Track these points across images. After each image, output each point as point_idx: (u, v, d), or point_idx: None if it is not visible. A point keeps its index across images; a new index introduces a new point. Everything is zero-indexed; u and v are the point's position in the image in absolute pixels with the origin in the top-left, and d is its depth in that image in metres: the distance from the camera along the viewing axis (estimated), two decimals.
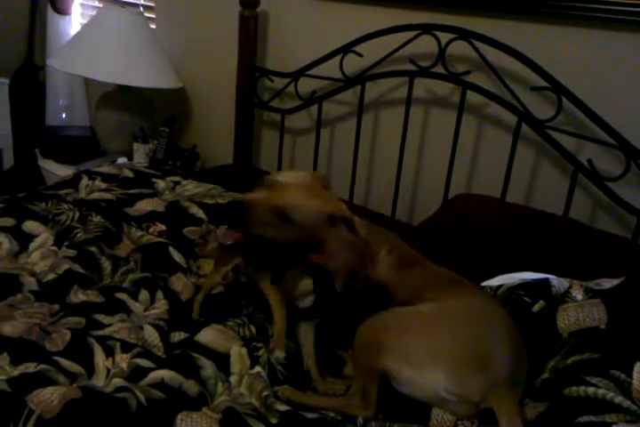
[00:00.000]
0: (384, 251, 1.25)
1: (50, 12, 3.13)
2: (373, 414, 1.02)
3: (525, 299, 1.16)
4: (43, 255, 1.41)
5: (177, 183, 1.84)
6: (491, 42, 1.65)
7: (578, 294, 1.11)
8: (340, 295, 1.16)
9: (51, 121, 3.21)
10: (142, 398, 0.95)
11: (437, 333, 1.02)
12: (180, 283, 1.39)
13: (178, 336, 1.17)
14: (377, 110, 2.05)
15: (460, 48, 1.72)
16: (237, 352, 1.14)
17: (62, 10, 3.14)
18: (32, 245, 1.45)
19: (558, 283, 1.15)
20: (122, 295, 1.29)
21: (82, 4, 3.18)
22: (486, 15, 1.72)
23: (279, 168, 2.31)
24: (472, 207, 1.66)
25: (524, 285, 1.19)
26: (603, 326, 1.04)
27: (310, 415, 1.00)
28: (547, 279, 1.17)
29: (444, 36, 1.73)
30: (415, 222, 1.93)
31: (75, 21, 3.20)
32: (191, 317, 1.29)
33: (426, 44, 1.77)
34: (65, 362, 1.04)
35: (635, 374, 0.95)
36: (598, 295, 1.09)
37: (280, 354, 1.16)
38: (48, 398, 0.90)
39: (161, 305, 1.26)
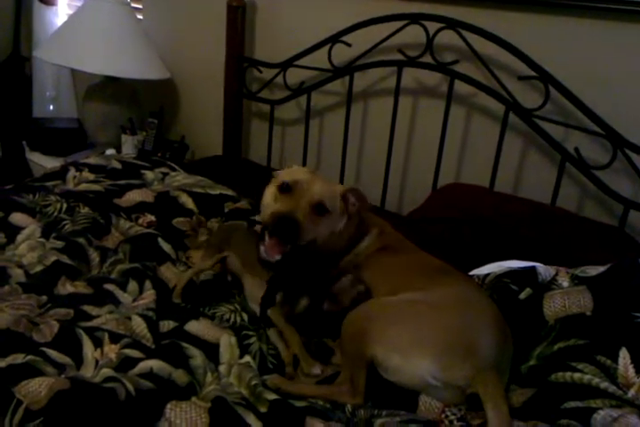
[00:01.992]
0: (372, 233, 1.31)
1: (36, 2, 3.10)
2: (362, 402, 1.02)
3: (512, 287, 1.16)
4: (30, 247, 1.41)
5: (166, 174, 1.83)
6: (478, 31, 1.64)
7: (564, 281, 1.12)
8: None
9: (38, 113, 3.19)
10: (131, 387, 0.95)
11: (423, 321, 1.03)
12: (169, 272, 1.39)
13: (167, 325, 1.17)
14: (366, 100, 2.05)
15: (447, 38, 1.72)
16: (227, 342, 1.14)
17: (48, 0, 3.10)
18: (19, 237, 1.45)
19: (545, 270, 1.16)
20: (110, 286, 1.29)
21: None
22: (474, 5, 1.72)
23: (269, 159, 2.31)
24: (461, 197, 1.67)
25: (511, 273, 1.20)
26: (588, 313, 1.05)
27: (299, 404, 1.00)
28: (533, 267, 1.18)
29: (432, 26, 1.72)
30: (404, 212, 1.93)
31: (61, 12, 3.17)
32: (181, 305, 1.29)
33: (414, 34, 1.77)
34: (53, 353, 1.03)
35: (620, 360, 0.97)
36: (584, 282, 1.11)
37: (317, 370, 1.13)
38: (36, 389, 0.90)
39: (149, 295, 1.26)
